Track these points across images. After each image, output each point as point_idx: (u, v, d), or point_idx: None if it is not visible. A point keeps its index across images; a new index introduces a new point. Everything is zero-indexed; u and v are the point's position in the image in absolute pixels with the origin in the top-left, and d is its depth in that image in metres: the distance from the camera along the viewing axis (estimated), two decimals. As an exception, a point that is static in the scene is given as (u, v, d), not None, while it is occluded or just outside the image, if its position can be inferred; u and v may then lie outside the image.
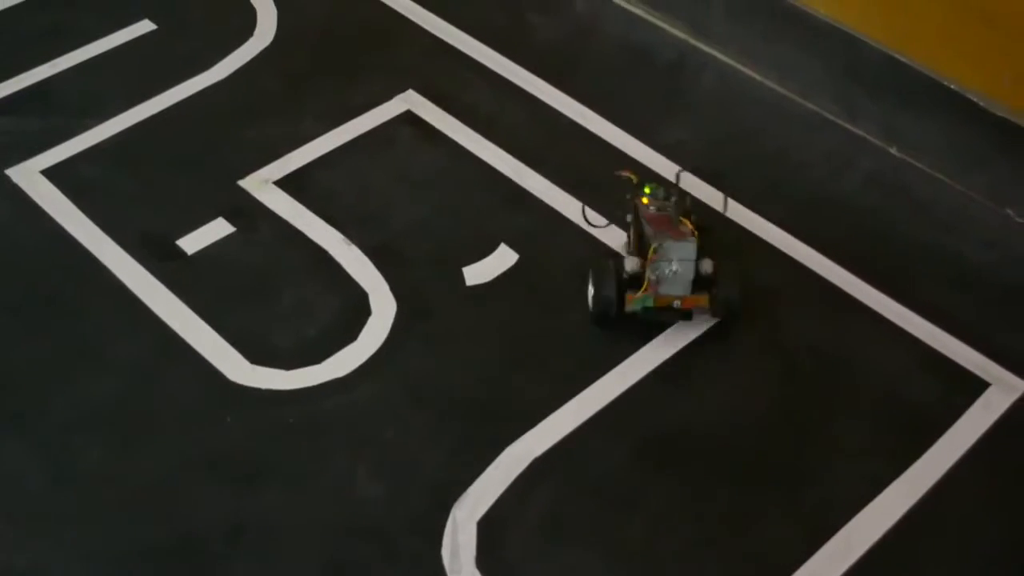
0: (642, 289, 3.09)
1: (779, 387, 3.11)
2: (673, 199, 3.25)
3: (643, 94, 3.92)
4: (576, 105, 3.83)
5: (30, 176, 3.59)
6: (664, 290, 3.10)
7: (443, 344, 3.19)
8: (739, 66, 3.97)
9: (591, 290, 3.16)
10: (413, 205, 3.54)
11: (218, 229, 3.44)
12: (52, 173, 3.60)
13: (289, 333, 3.20)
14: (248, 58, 3.99)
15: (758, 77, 3.94)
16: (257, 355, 3.14)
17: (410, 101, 3.82)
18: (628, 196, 3.30)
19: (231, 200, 3.52)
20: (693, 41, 4.05)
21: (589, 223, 3.41)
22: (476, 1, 4.25)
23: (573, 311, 3.25)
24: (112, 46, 4.03)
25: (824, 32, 3.70)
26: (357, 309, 3.24)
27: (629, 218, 3.29)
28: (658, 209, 3.20)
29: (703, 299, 3.13)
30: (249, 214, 3.49)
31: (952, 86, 3.50)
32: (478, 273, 3.34)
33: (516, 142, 3.69)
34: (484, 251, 3.39)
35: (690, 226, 3.15)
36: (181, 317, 3.22)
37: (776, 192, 3.59)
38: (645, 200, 3.24)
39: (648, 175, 3.46)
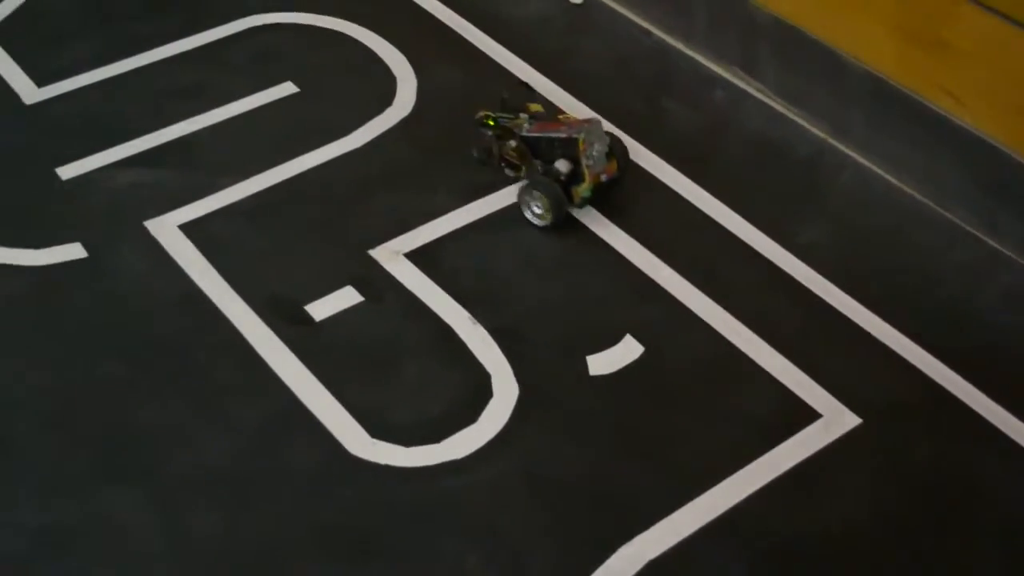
0: (587, 180, 3.60)
1: (904, 506, 3.02)
2: (526, 116, 3.74)
3: (778, 190, 3.87)
4: (709, 198, 3.79)
5: (167, 230, 3.66)
6: (594, 171, 3.62)
7: (563, 434, 3.15)
8: (878, 169, 3.90)
9: (536, 207, 3.62)
10: (540, 288, 3.53)
11: (347, 297, 3.46)
12: (188, 228, 3.66)
13: (410, 409, 3.19)
14: (386, 127, 4.03)
15: (897, 182, 3.87)
16: (378, 429, 3.13)
17: (542, 183, 3.82)
18: (489, 135, 3.73)
19: (361, 269, 3.54)
20: (832, 140, 4.00)
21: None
22: (615, 86, 4.25)
23: (697, 409, 3.21)
24: (254, 106, 4.10)
25: (971, 143, 3.62)
26: (479, 390, 3.23)
27: (486, 152, 3.75)
28: (529, 122, 3.71)
29: (614, 165, 3.68)
30: (378, 285, 3.50)
31: (1101, 208, 3.42)
32: (603, 363, 3.30)
33: (647, 231, 3.66)
34: (610, 341, 3.35)
35: (570, 115, 3.82)
36: (305, 383, 3.24)
37: (909, 301, 3.51)
38: (515, 123, 3.71)
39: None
